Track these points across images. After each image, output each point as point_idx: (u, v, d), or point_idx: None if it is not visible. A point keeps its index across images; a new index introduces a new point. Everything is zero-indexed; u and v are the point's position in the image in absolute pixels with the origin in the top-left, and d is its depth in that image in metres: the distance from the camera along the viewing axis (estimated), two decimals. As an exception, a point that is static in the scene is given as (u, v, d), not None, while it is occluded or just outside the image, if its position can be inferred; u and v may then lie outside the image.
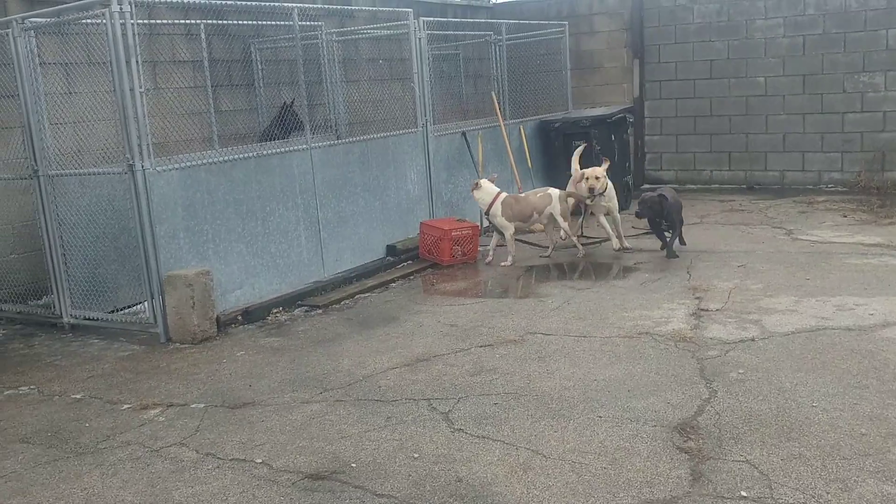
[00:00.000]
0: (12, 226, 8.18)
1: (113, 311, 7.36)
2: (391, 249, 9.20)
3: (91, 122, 7.68)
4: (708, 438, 4.40)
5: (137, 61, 6.59)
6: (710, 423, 4.59)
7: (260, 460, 4.52)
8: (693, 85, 13.41)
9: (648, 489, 3.92)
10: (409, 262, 9.14)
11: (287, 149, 8.16)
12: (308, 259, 8.21)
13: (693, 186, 13.52)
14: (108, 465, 4.61)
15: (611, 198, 9.17)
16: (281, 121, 9.40)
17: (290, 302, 7.75)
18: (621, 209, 11.67)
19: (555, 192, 9.03)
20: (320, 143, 8.47)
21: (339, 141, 9.06)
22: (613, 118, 11.59)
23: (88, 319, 7.43)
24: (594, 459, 4.25)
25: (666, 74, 13.59)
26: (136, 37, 6.62)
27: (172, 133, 8.65)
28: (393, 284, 8.46)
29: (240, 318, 7.31)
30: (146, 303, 7.05)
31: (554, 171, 11.81)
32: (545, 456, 4.32)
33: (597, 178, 9.01)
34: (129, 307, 7.38)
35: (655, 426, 4.59)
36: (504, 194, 8.97)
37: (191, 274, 6.81)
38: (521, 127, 11.56)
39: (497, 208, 8.90)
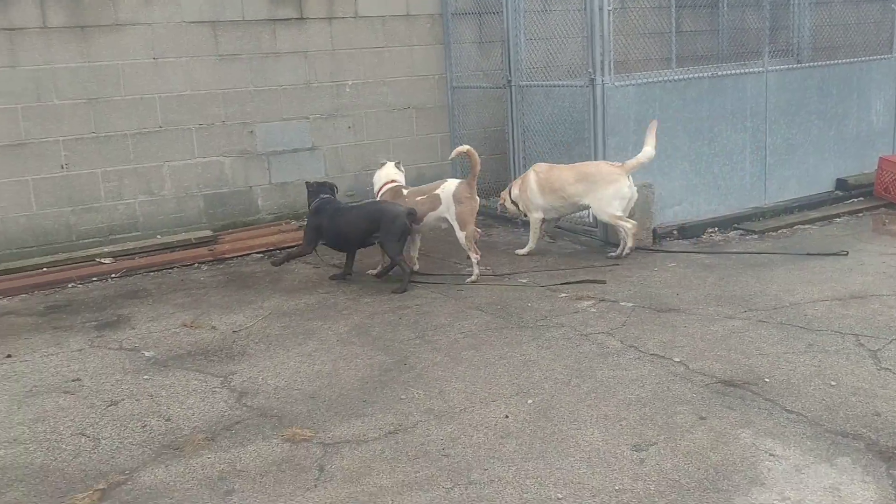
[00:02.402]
0: (484, 130, 9.33)
1: (561, 213, 8.09)
2: (841, 183, 8.69)
3: (560, 39, 8.34)
4: None
5: (608, -20, 7.02)
6: None
7: (678, 360, 4.84)
8: None
9: None
10: (861, 198, 8.57)
11: (742, 71, 8.08)
12: (750, 184, 8.15)
13: None
14: (543, 340, 5.28)
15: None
16: None
17: (725, 224, 7.83)
18: None
19: (449, 187, 6.62)
20: (777, 67, 8.23)
21: (798, 65, 8.68)
22: None
23: (538, 218, 8.28)
24: None
25: None
26: (609, -44, 7.03)
27: (633, 52, 9.03)
28: (837, 219, 8.05)
29: (675, 232, 7.60)
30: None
31: None
32: (984, 412, 4.00)
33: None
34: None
35: None
36: (391, 185, 6.86)
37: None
38: None
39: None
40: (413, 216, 6.53)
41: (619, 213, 6.88)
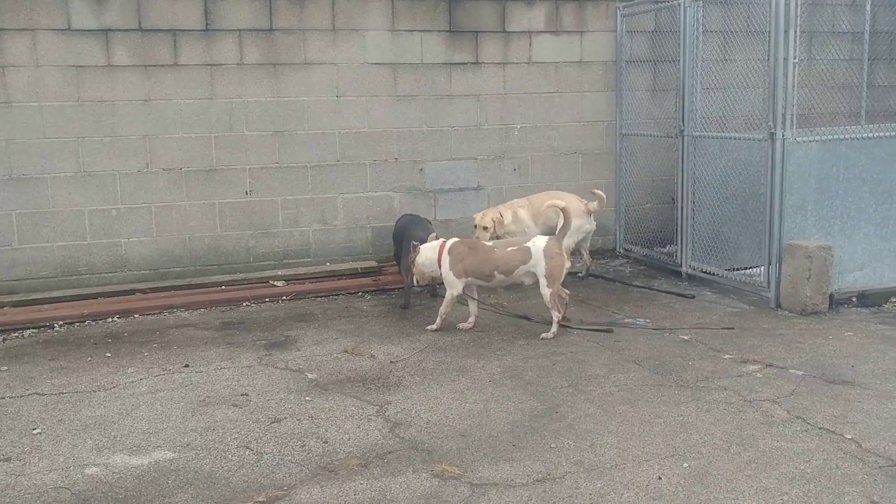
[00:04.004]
0: (652, 178, 9.19)
1: (729, 270, 7.81)
2: None
3: (739, 89, 8.10)
4: None
5: (796, 31, 6.76)
6: None
7: (849, 436, 4.53)
8: None
9: None
10: None
11: (940, 131, 7.54)
12: (942, 253, 7.56)
13: None
14: (703, 402, 5.08)
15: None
16: None
17: (911, 294, 7.30)
18: None
19: (540, 243, 6.43)
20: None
21: None
22: None
23: (704, 273, 8.02)
24: None
25: None
26: (798, 7, 6.78)
27: (818, 105, 8.63)
28: None
29: (854, 299, 7.16)
30: (762, 267, 7.34)
31: None
32: None
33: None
34: (745, 268, 7.72)
35: None
36: (451, 241, 6.65)
37: (812, 246, 6.89)
38: None
39: (445, 262, 6.54)
40: (413, 248, 6.76)
41: (570, 244, 7.59)
